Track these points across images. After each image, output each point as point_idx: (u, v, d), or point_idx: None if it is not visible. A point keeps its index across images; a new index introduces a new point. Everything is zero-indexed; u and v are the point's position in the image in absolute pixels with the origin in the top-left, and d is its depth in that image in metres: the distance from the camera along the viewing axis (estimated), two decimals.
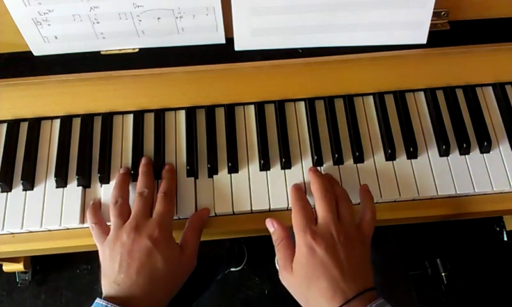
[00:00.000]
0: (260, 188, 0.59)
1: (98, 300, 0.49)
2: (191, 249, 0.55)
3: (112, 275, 0.51)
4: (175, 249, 0.54)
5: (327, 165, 0.60)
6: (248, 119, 0.64)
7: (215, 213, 0.59)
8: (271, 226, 0.55)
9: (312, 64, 0.63)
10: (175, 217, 0.58)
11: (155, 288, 0.51)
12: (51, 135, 0.63)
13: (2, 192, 0.60)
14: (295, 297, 0.52)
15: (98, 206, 0.58)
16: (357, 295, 0.48)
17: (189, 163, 0.60)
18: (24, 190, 0.60)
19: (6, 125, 0.63)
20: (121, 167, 0.61)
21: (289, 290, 0.52)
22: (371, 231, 0.53)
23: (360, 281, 0.49)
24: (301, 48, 0.62)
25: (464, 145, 0.60)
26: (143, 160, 0.59)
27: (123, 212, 0.55)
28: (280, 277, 0.53)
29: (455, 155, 0.61)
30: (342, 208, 0.53)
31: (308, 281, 0.50)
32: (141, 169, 0.59)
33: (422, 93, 0.65)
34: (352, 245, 0.50)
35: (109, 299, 0.50)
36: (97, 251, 0.55)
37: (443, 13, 0.62)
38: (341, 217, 0.52)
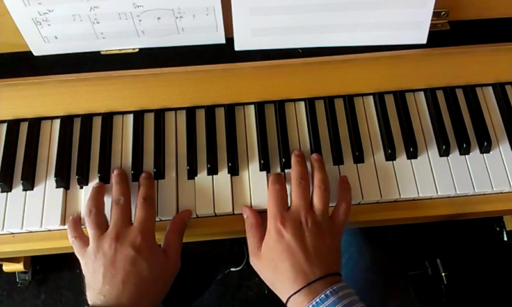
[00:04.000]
0: (260, 188, 0.59)
1: None
2: (174, 251, 0.55)
3: (97, 287, 0.50)
4: (159, 254, 0.53)
5: (327, 165, 0.60)
6: (248, 119, 0.64)
7: (215, 213, 0.59)
8: (245, 212, 0.57)
9: (311, 64, 0.63)
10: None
11: (143, 296, 0.51)
12: (51, 135, 0.63)
13: (2, 192, 0.60)
14: (263, 280, 0.53)
15: (78, 220, 0.57)
16: (319, 278, 0.50)
17: (189, 163, 0.60)
18: (24, 190, 0.60)
19: (6, 125, 0.63)
20: (121, 167, 0.61)
21: (258, 274, 0.54)
22: (344, 221, 0.55)
23: (325, 267, 0.51)
24: (301, 48, 0.62)
25: (464, 145, 0.60)
26: (115, 171, 0.59)
27: (99, 222, 0.53)
28: (250, 261, 0.54)
29: (455, 155, 0.61)
30: (315, 197, 0.54)
31: (274, 264, 0.51)
32: (114, 179, 0.58)
33: (422, 93, 0.65)
34: (321, 233, 0.52)
35: None
36: None
37: (443, 13, 0.62)
38: (313, 205, 0.54)
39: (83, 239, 0.54)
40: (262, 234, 0.54)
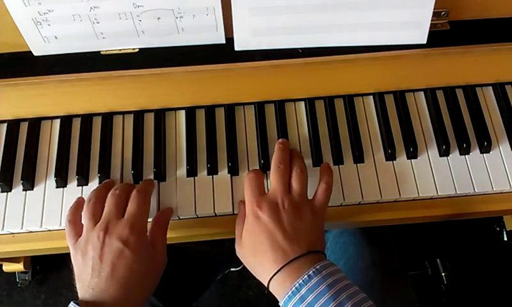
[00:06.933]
0: None
1: (72, 304, 0.48)
2: (161, 247, 0.55)
3: (86, 280, 0.50)
4: (148, 249, 0.53)
5: None
6: (248, 119, 0.63)
7: (215, 213, 0.59)
8: (239, 206, 0.57)
9: (311, 64, 0.63)
10: (174, 218, 0.58)
11: (131, 290, 0.51)
12: (51, 135, 0.63)
13: (2, 192, 0.60)
14: (247, 267, 0.54)
15: (80, 205, 0.55)
16: (300, 255, 0.49)
17: (189, 163, 0.60)
18: (24, 190, 0.60)
19: (6, 125, 0.63)
20: (122, 167, 0.61)
21: (242, 261, 0.54)
22: (324, 201, 0.54)
23: (305, 244, 0.50)
24: (301, 48, 0.62)
25: (464, 145, 0.60)
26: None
27: (95, 212, 0.53)
28: (236, 252, 0.55)
29: (455, 155, 0.61)
30: (293, 180, 0.54)
31: (254, 248, 0.52)
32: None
33: (422, 93, 0.65)
34: (299, 212, 0.52)
35: (84, 303, 0.49)
36: None
37: (443, 13, 0.62)
38: (291, 188, 0.54)
39: (76, 227, 0.53)
40: None
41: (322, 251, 0.51)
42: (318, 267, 0.48)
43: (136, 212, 0.53)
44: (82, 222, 0.53)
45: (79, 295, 0.50)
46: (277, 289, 0.49)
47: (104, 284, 0.49)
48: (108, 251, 0.50)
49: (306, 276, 0.47)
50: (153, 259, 0.53)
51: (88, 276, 0.50)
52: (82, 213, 0.54)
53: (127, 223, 0.52)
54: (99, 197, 0.54)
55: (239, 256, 0.55)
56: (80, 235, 0.53)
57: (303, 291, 0.46)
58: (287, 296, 0.47)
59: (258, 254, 0.51)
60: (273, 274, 0.49)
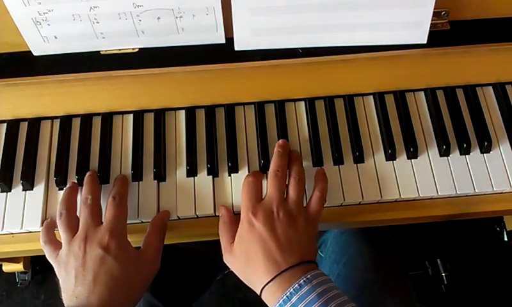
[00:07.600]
0: None
1: None
2: (152, 251, 0.55)
3: (70, 289, 0.51)
4: (131, 253, 0.53)
5: (327, 165, 0.60)
6: (248, 119, 0.63)
7: (215, 213, 0.59)
8: (220, 211, 0.57)
9: (311, 64, 0.63)
10: (174, 218, 0.58)
11: (115, 295, 0.51)
12: (51, 135, 0.63)
13: (2, 192, 0.60)
14: (238, 276, 0.53)
15: (51, 225, 0.56)
16: (292, 266, 0.49)
17: (189, 163, 0.60)
18: (23, 190, 0.60)
19: (5, 125, 0.63)
20: (120, 167, 0.61)
21: (233, 270, 0.54)
22: (317, 210, 0.55)
23: (297, 255, 0.50)
24: (301, 48, 0.62)
25: (465, 145, 0.60)
26: (88, 172, 0.58)
27: (70, 224, 0.54)
28: (224, 259, 0.54)
29: (455, 155, 0.61)
30: (290, 188, 0.54)
31: (247, 256, 0.51)
32: (84, 180, 0.57)
33: (422, 92, 0.65)
34: (293, 222, 0.52)
35: None
36: None
37: (443, 13, 0.62)
38: (288, 195, 0.54)
39: (54, 244, 0.54)
40: (235, 231, 0.54)
41: (314, 261, 0.52)
42: (309, 276, 0.48)
43: (113, 218, 0.53)
44: (60, 235, 0.54)
45: (65, 304, 0.51)
46: (268, 298, 0.49)
47: (86, 291, 0.50)
48: (90, 259, 0.51)
49: (297, 285, 0.48)
50: (137, 264, 0.53)
51: (71, 285, 0.51)
52: (58, 227, 0.54)
53: (106, 229, 0.52)
54: (69, 209, 0.55)
55: (227, 263, 0.54)
56: (59, 249, 0.53)
57: (294, 299, 0.47)
58: (277, 304, 0.48)
59: (251, 262, 0.51)
60: (265, 283, 0.49)
